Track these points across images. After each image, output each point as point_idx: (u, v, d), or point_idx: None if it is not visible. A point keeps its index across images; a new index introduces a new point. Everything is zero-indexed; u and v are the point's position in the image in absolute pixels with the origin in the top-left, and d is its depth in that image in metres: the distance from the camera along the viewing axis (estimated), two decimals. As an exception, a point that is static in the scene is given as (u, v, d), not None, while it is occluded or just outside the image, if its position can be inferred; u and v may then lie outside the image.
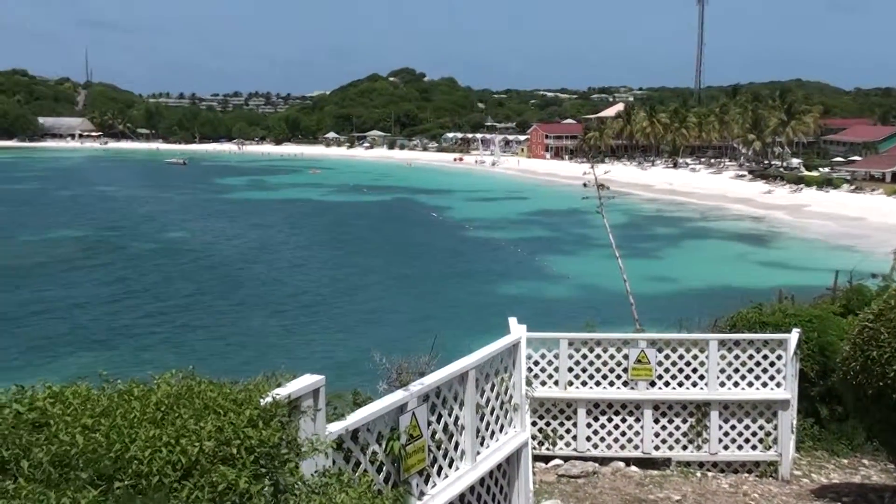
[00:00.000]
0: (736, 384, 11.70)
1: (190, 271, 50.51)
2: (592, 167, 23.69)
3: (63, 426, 3.78)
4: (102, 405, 4.10)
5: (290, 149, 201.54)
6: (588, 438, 11.79)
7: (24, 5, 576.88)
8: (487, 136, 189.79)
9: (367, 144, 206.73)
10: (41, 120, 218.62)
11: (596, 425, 11.80)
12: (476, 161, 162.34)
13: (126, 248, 58.87)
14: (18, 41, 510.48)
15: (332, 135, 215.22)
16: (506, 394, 9.37)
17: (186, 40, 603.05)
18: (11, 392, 4.08)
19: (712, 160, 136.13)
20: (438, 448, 7.56)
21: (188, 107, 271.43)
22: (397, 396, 6.89)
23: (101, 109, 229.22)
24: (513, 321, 10.46)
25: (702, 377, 11.70)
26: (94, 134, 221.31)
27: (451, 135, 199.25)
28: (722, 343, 11.81)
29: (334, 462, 5.82)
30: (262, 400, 4.74)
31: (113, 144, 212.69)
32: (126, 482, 3.64)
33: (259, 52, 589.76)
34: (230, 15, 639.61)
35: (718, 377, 11.67)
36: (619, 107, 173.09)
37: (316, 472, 5.20)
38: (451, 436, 7.84)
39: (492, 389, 8.99)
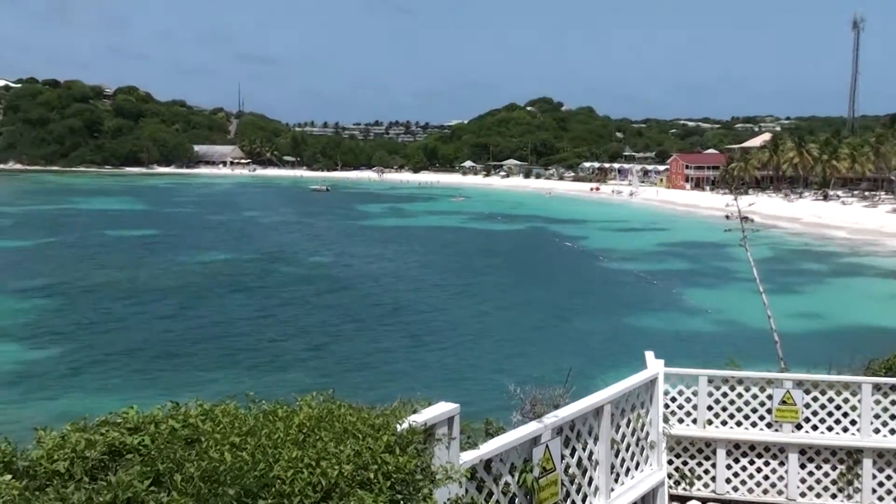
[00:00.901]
0: (892, 431, 11.01)
1: (329, 295, 51.86)
2: (736, 198, 22.95)
3: (213, 443, 3.96)
4: (249, 424, 4.26)
5: (427, 177, 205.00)
6: (728, 480, 11.34)
7: (185, 42, 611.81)
8: (625, 165, 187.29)
9: (503, 173, 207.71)
10: (196, 147, 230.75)
11: (736, 467, 11.34)
12: (613, 191, 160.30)
13: (270, 271, 61.06)
14: (180, 75, 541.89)
15: (468, 163, 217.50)
16: (642, 430, 9.16)
17: (332, 72, 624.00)
18: (167, 408, 4.31)
19: (866, 193, 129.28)
20: (572, 482, 7.46)
21: (331, 135, 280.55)
22: (531, 428, 6.85)
23: (251, 138, 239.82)
24: (650, 355, 10.23)
25: (853, 422, 11.05)
26: (243, 161, 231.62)
27: (587, 164, 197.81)
28: (877, 387, 11.13)
29: (467, 491, 5.83)
30: (398, 426, 4.81)
31: (260, 171, 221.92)
32: (270, 501, 3.76)
33: (400, 83, 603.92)
34: (373, 47, 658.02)
35: (872, 423, 11.01)
36: (765, 136, 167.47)
37: (448, 500, 5.22)
38: (585, 471, 7.72)
39: (628, 425, 8.82)
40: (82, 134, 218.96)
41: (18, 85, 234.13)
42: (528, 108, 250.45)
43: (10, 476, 3.34)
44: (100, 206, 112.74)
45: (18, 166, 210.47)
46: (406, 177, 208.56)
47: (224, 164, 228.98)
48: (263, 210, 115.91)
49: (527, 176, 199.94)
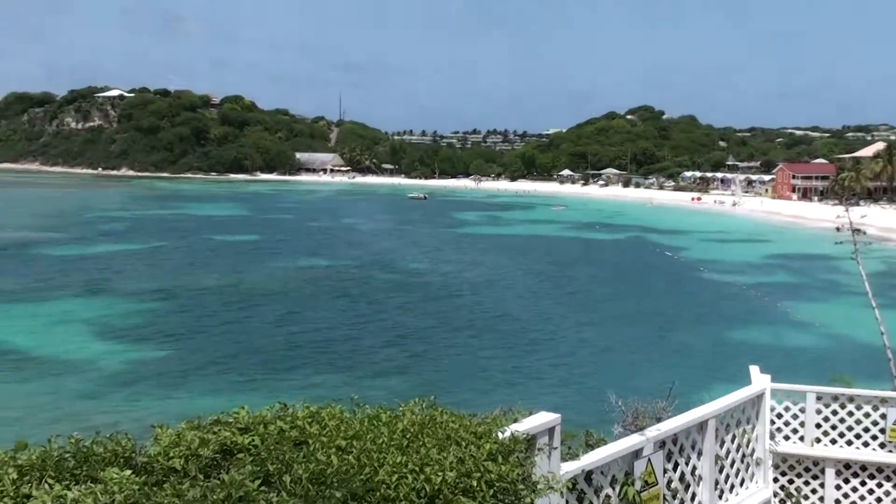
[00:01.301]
0: None
1: (426, 302, 52.23)
2: (847, 210, 22.07)
3: (320, 446, 4.02)
4: (354, 428, 4.32)
5: (524, 185, 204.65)
6: (837, 501, 10.90)
7: (289, 52, 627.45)
8: (728, 175, 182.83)
9: (601, 182, 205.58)
10: (298, 155, 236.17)
11: (846, 488, 10.89)
12: (715, 201, 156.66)
13: (369, 277, 61.91)
14: (283, 84, 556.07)
15: (566, 172, 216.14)
16: (747, 446, 8.92)
17: (431, 81, 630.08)
18: (276, 409, 4.42)
19: None
20: (674, 497, 7.31)
21: (429, 144, 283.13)
22: (633, 441, 6.74)
23: (351, 146, 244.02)
24: (755, 370, 9.94)
25: (974, 445, 10.50)
26: (343, 168, 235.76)
27: (689, 174, 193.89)
28: None
29: (567, 502, 5.78)
30: (500, 434, 4.80)
31: (359, 179, 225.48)
32: (375, 504, 3.81)
33: (499, 91, 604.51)
34: (472, 56, 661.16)
35: None
36: (879, 146, 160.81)
37: (549, 510, 5.18)
38: (688, 486, 7.55)
39: (732, 441, 8.60)
40: (190, 141, 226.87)
41: (132, 94, 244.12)
42: (629, 117, 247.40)
43: (129, 471, 3.47)
44: (206, 212, 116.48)
45: (130, 172, 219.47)
46: (503, 185, 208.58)
47: (324, 171, 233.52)
48: (362, 217, 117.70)
49: (626, 185, 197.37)
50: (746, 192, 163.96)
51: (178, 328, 42.45)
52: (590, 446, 6.61)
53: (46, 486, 3.38)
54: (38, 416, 28.16)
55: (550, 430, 5.55)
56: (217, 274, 60.86)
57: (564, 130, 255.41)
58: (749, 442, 8.90)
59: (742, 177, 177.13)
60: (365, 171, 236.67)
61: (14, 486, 3.40)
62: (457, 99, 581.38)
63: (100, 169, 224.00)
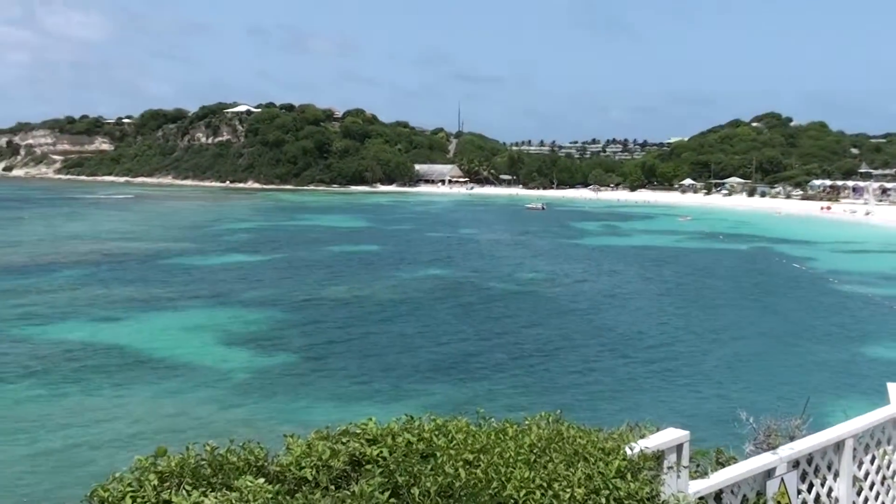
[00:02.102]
0: None
1: (543, 313, 51.92)
2: None
3: (447, 459, 4.02)
4: (481, 442, 4.30)
5: (644, 195, 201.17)
6: None
7: (408, 65, 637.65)
8: (861, 183, 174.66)
9: (724, 191, 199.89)
10: (417, 167, 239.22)
11: None
12: (846, 210, 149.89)
13: (486, 288, 62.02)
14: (403, 97, 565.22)
15: (688, 181, 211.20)
16: (888, 468, 8.46)
17: (549, 91, 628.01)
18: (402, 421, 4.44)
19: None
20: (810, 520, 6.99)
21: (548, 154, 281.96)
22: (765, 460, 6.49)
23: (469, 157, 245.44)
24: (893, 388, 9.44)
25: None
26: (461, 179, 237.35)
27: (818, 182, 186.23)
28: None
29: (697, 522, 5.61)
30: (628, 450, 4.69)
31: (477, 189, 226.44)
32: (503, 520, 3.78)
33: (618, 100, 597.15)
34: (591, 65, 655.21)
35: None
36: None
37: (678, 530, 5.02)
38: (825, 509, 7.21)
39: (871, 462, 8.16)
40: (313, 154, 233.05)
41: (258, 110, 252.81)
42: (754, 124, 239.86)
43: (263, 480, 3.55)
44: (328, 223, 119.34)
45: (256, 185, 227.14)
46: (622, 195, 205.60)
47: (443, 182, 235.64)
48: (480, 227, 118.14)
49: (750, 194, 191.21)
50: (881, 200, 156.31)
51: (302, 337, 43.56)
52: (720, 464, 6.38)
53: (184, 492, 3.50)
54: (169, 421, 29.39)
55: (679, 447, 5.39)
56: (339, 284, 62.20)
57: (686, 139, 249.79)
58: (890, 464, 8.44)
59: (876, 185, 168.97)
60: (483, 181, 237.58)
61: (155, 492, 3.52)
62: (575, 108, 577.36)
63: (227, 182, 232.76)
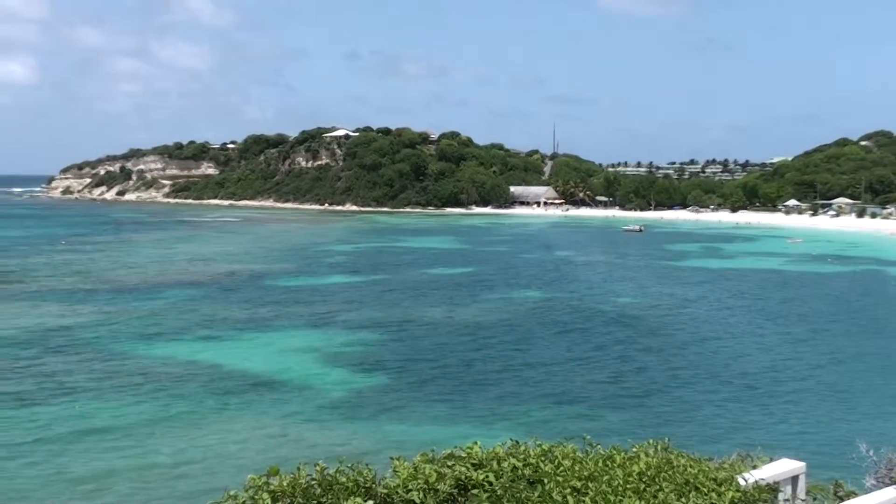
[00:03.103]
0: None
1: (642, 337, 51.02)
2: None
3: (555, 486, 3.94)
4: (589, 469, 4.21)
5: (746, 216, 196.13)
6: None
7: (502, 87, 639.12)
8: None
9: (832, 213, 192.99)
10: (512, 188, 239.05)
11: None
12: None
13: (582, 310, 61.38)
14: (497, 119, 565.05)
15: (791, 202, 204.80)
16: None
17: (646, 111, 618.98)
18: (508, 445, 4.38)
19: None
20: (936, 561, 6.60)
21: (645, 175, 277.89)
22: (889, 495, 6.17)
23: (564, 178, 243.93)
24: None
25: None
26: (556, 201, 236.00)
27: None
28: None
29: (814, 559, 5.36)
30: (742, 481, 4.52)
31: (573, 211, 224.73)
32: (613, 550, 3.68)
33: (719, 119, 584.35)
34: (689, 84, 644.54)
35: None
36: None
37: (796, 567, 4.81)
38: (953, 549, 6.80)
39: None
40: (409, 177, 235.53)
41: (356, 134, 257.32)
42: (863, 143, 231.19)
43: (371, 501, 3.55)
44: (423, 245, 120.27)
45: (353, 207, 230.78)
46: (723, 216, 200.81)
47: (538, 204, 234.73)
48: (575, 249, 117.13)
49: (860, 215, 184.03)
50: None
51: (399, 359, 43.89)
52: (839, 498, 6.09)
53: (296, 511, 3.53)
54: (271, 440, 29.97)
55: (794, 479, 5.16)
56: (435, 306, 62.53)
57: (790, 158, 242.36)
58: None
59: None
60: (578, 203, 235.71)
61: (266, 511, 3.56)
62: (673, 128, 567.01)
63: (326, 205, 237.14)
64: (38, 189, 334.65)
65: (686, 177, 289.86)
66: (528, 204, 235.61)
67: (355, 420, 32.52)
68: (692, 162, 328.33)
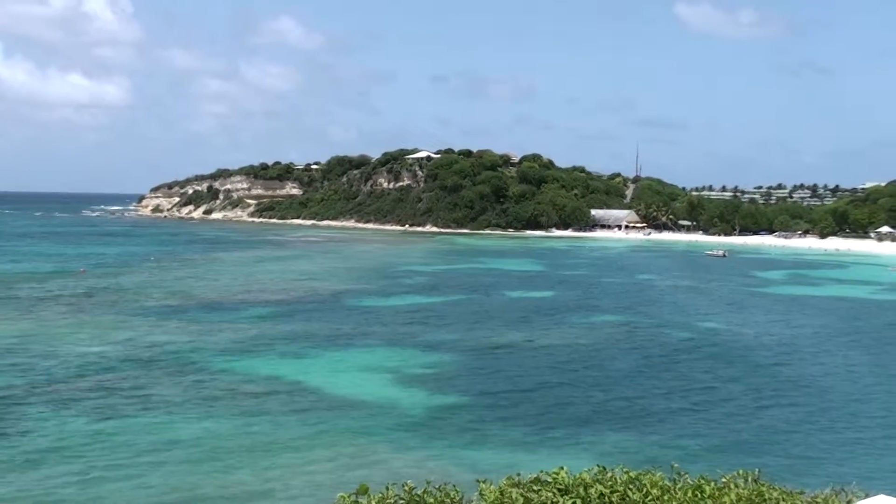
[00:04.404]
0: None
1: (726, 364, 49.89)
2: None
3: (643, 514, 3.89)
4: (678, 499, 4.14)
5: (835, 243, 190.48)
6: None
7: (587, 110, 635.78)
8: None
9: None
10: (593, 212, 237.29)
11: None
12: None
13: (664, 335, 60.36)
14: (580, 141, 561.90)
15: (885, 229, 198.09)
16: None
17: (733, 135, 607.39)
18: (594, 472, 4.34)
19: None
20: None
21: (730, 199, 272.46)
22: None
23: (647, 202, 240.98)
24: None
25: None
26: (638, 225, 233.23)
27: None
28: None
29: None
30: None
31: (655, 235, 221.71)
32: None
33: (808, 143, 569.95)
34: (777, 108, 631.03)
35: None
36: None
37: None
38: None
39: None
40: (490, 199, 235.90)
41: (438, 155, 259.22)
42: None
43: (458, 523, 3.56)
44: (503, 267, 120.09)
45: (434, 228, 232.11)
46: (811, 243, 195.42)
47: (619, 227, 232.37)
48: (657, 273, 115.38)
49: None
50: None
51: (477, 381, 43.83)
52: (938, 540, 5.82)
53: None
54: (349, 459, 30.20)
55: (892, 518, 4.97)
56: (514, 329, 62.30)
57: (884, 184, 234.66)
58: None
59: None
60: (661, 227, 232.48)
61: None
62: (761, 152, 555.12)
63: (407, 225, 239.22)
64: (131, 207, 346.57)
65: (773, 201, 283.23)
66: (609, 227, 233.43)
67: (433, 441, 32.57)
68: (780, 186, 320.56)
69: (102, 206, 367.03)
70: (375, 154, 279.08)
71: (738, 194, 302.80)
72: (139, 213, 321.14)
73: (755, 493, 4.36)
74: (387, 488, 3.85)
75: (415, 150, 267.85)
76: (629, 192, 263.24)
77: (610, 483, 4.20)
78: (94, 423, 33.94)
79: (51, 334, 54.27)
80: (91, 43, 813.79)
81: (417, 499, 3.82)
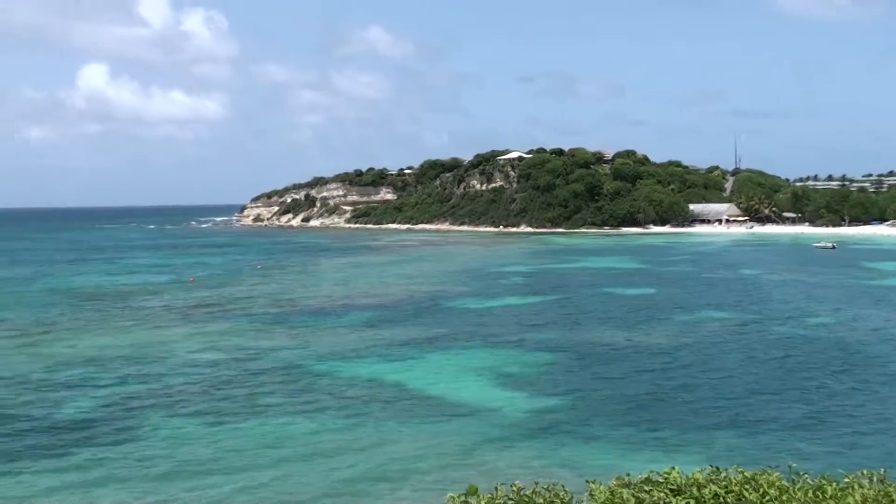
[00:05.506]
0: None
1: (840, 362, 48.05)
2: None
3: (762, 515, 3.75)
4: (797, 499, 3.97)
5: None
6: None
7: (678, 103, 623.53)
8: None
9: None
10: (691, 206, 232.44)
11: None
12: None
13: (772, 332, 58.58)
14: (673, 136, 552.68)
15: None
16: None
17: (839, 123, 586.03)
18: (707, 472, 4.21)
19: None
20: None
21: (837, 189, 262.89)
22: None
23: (748, 194, 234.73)
24: None
25: None
26: (739, 218, 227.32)
27: None
28: None
29: None
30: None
31: (758, 228, 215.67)
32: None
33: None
34: (889, 93, 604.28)
35: None
36: None
37: None
38: None
39: None
40: (584, 197, 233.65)
41: (529, 155, 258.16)
42: None
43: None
44: (600, 265, 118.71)
45: (528, 229, 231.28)
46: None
47: (719, 221, 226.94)
48: (761, 268, 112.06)
49: None
50: None
51: (577, 381, 43.42)
52: None
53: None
54: (451, 458, 30.32)
55: None
56: (614, 327, 61.51)
57: None
58: None
59: None
60: (764, 220, 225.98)
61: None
62: (869, 139, 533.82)
63: (501, 227, 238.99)
64: (234, 217, 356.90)
65: (885, 189, 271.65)
66: (708, 222, 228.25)
67: (537, 441, 32.40)
68: (891, 174, 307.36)
69: (211, 218, 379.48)
70: (467, 157, 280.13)
71: (846, 183, 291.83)
72: (241, 223, 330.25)
73: (882, 493, 4.14)
74: (496, 489, 3.82)
75: (506, 151, 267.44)
76: (728, 185, 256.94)
77: (724, 483, 4.06)
78: (207, 427, 35.01)
79: (164, 342, 56.28)
80: (189, 60, 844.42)
81: (526, 499, 3.77)
